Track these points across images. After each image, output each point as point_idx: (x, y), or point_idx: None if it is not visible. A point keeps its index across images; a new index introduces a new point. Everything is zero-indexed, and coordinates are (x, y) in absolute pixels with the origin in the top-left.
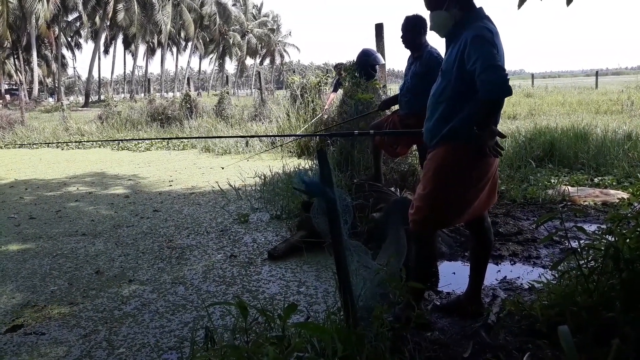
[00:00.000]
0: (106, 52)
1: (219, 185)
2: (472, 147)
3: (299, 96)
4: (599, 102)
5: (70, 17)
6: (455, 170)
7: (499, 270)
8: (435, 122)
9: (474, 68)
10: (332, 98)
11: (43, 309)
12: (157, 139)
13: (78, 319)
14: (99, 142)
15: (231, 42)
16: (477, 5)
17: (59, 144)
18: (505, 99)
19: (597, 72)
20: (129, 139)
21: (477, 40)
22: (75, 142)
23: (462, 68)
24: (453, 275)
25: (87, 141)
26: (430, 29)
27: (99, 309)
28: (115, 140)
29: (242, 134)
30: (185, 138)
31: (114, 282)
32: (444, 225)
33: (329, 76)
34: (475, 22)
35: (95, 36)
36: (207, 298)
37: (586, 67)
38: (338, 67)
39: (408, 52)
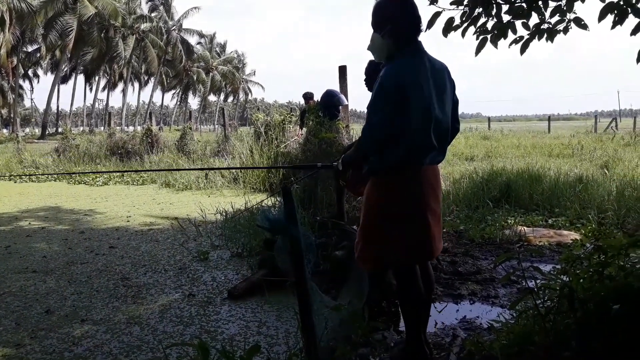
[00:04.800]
0: (64, 81)
1: (178, 222)
2: (393, 177)
3: (263, 133)
4: (552, 145)
5: (30, 48)
6: (380, 201)
7: (459, 310)
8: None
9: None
10: (300, 134)
11: None
12: (124, 172)
13: None
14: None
15: (195, 78)
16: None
17: (12, 176)
18: (460, 138)
19: (549, 117)
20: (106, 172)
21: (378, 87)
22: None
23: None
24: None
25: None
26: (367, 49)
27: (48, 351)
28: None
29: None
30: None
31: (65, 322)
32: (384, 261)
33: (292, 115)
34: (400, 59)
35: (55, 68)
36: (164, 339)
37: (539, 111)
38: (306, 95)
39: (370, 94)
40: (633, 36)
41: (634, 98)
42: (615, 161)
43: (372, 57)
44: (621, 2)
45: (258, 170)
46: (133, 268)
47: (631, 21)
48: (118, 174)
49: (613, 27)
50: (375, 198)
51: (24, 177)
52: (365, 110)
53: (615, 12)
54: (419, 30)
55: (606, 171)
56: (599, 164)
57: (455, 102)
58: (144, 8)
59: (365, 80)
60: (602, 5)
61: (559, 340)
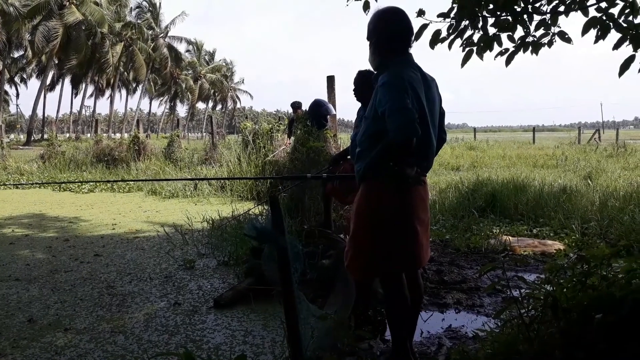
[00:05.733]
0: (51, 89)
1: (164, 230)
2: (383, 185)
3: (251, 141)
4: (536, 156)
5: (16, 54)
6: (371, 209)
7: (444, 319)
8: (356, 165)
9: (384, 111)
10: (288, 143)
11: None
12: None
13: None
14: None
15: (184, 86)
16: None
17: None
18: (446, 145)
19: (534, 128)
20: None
21: (384, 86)
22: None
23: (376, 112)
24: None
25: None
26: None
27: None
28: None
29: (193, 177)
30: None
31: (48, 331)
32: (374, 270)
33: (280, 123)
34: (392, 69)
35: (41, 74)
36: (149, 348)
37: (524, 122)
38: (294, 105)
39: (358, 104)
40: (615, 50)
41: (617, 110)
42: (599, 172)
43: (360, 68)
44: (604, 17)
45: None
46: (118, 276)
47: (613, 36)
48: (103, 181)
49: (596, 41)
50: (365, 207)
51: (7, 183)
52: (354, 118)
53: (598, 26)
54: (406, 44)
55: (589, 182)
56: (582, 175)
57: (441, 114)
58: (132, 14)
59: (354, 90)
60: (585, 19)
61: (543, 349)
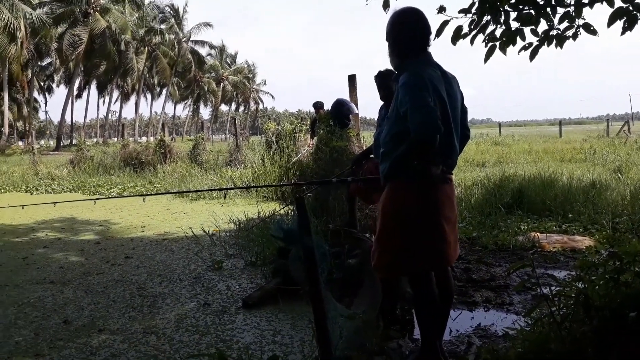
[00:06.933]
0: (79, 96)
1: (192, 231)
2: (408, 184)
3: (274, 142)
4: (564, 150)
5: (44, 62)
6: (396, 208)
7: (473, 317)
8: (380, 165)
9: (406, 111)
10: (311, 143)
11: None
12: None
13: None
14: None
15: (206, 88)
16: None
17: (29, 189)
18: (470, 143)
19: (560, 121)
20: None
21: (405, 86)
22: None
23: (398, 112)
24: None
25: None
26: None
27: None
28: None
29: (217, 180)
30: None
31: (82, 332)
32: (401, 269)
33: (303, 123)
34: (411, 68)
35: (69, 81)
36: (180, 348)
37: (550, 116)
38: (316, 105)
39: (380, 102)
40: None
41: None
42: (629, 165)
43: (380, 67)
44: (630, 8)
45: (271, 179)
46: (148, 278)
47: None
48: (132, 185)
49: (623, 33)
50: (391, 206)
51: (40, 188)
52: (376, 117)
53: (625, 17)
54: (424, 43)
55: (620, 175)
56: (612, 168)
57: (464, 111)
58: (156, 20)
59: (379, 92)
60: (611, 10)
61: (576, 348)
